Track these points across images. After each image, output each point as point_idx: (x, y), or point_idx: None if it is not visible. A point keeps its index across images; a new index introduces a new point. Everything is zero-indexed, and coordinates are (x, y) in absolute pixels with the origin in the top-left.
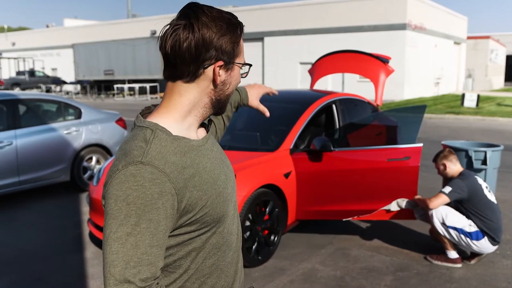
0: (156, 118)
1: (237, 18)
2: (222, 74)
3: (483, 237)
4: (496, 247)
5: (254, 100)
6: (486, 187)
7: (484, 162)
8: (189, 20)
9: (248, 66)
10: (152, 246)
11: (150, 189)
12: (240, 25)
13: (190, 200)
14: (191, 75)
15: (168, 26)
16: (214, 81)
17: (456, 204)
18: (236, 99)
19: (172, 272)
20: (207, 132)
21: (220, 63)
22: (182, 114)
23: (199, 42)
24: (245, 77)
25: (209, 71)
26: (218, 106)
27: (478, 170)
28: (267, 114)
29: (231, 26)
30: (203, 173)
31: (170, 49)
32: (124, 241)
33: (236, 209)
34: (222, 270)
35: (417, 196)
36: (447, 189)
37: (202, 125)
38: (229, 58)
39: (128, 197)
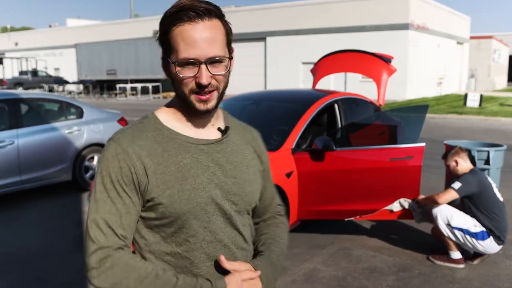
0: (162, 108)
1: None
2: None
3: (489, 237)
4: (501, 247)
5: None
6: (496, 187)
7: (487, 162)
8: None
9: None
10: (111, 213)
11: (112, 163)
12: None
13: (149, 184)
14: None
15: None
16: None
17: (464, 201)
18: None
19: (149, 252)
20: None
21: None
22: (175, 107)
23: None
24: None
25: (172, 68)
26: (185, 104)
27: (481, 170)
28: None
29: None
30: (172, 165)
31: None
32: (93, 204)
33: (230, 219)
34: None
35: (421, 196)
36: (457, 184)
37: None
38: (173, 56)
39: (98, 167)
